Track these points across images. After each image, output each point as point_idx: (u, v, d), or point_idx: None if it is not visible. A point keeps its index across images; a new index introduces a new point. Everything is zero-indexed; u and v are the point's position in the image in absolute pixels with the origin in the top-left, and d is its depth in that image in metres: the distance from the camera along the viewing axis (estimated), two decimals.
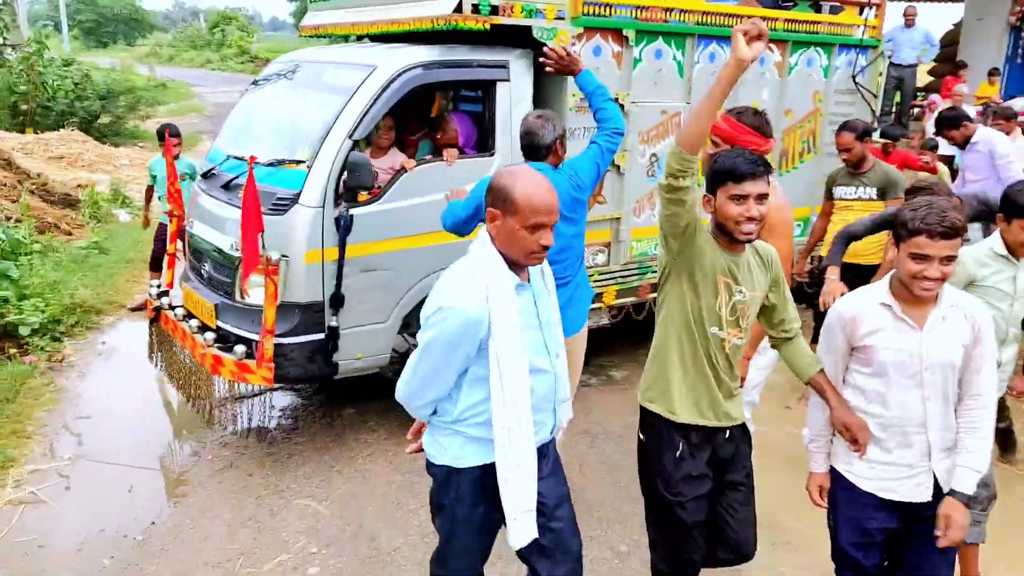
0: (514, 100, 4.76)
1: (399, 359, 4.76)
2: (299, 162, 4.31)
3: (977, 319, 2.39)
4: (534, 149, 3.63)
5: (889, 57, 11.11)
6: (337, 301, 4.28)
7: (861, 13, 6.25)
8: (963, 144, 5.91)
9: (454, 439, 2.35)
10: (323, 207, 4.22)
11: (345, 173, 4.22)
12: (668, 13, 5.14)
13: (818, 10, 6.23)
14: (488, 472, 2.30)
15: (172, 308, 4.89)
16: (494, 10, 4.46)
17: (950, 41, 12.82)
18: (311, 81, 4.88)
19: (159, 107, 20.48)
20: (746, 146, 2.91)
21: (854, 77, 6.36)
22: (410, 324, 4.62)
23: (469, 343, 2.17)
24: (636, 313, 5.78)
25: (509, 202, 2.17)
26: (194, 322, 4.56)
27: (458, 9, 4.34)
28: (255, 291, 4.41)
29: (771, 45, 5.75)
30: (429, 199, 4.52)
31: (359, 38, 5.70)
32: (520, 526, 2.23)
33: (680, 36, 5.27)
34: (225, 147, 5.10)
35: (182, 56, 45.96)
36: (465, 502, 2.38)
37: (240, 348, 4.22)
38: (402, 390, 2.36)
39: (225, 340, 4.42)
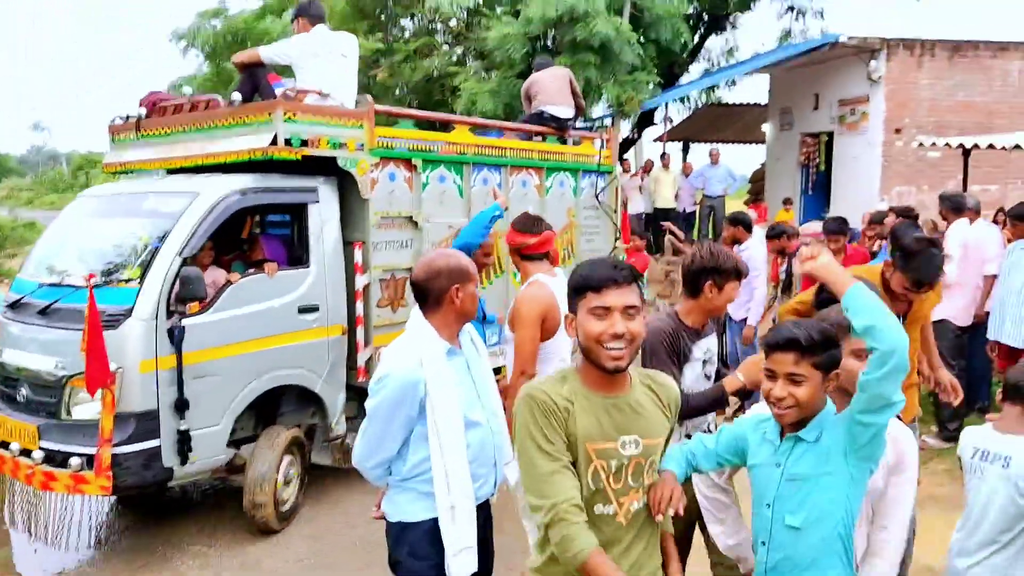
0: (323, 218, 5.42)
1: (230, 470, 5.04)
2: (127, 280, 4.62)
3: (900, 443, 2.35)
4: None
5: (702, 189, 13.63)
6: (182, 405, 4.55)
7: (600, 146, 7.71)
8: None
9: (405, 495, 2.62)
10: (155, 319, 4.53)
11: (176, 287, 4.59)
12: (443, 146, 6.14)
13: (564, 142, 7.59)
14: (438, 526, 2.56)
15: None
16: (304, 143, 5.16)
17: (757, 178, 15.88)
18: (128, 209, 5.23)
19: (27, 246, 18.73)
20: (524, 246, 3.79)
21: (597, 196, 7.75)
22: (235, 432, 4.94)
23: (409, 404, 2.50)
24: None
25: (466, 273, 2.67)
26: (14, 445, 4.55)
27: (273, 142, 4.99)
28: (82, 407, 4.56)
29: (531, 171, 6.94)
30: (253, 309, 4.99)
31: (171, 172, 6.08)
32: (459, 563, 2.53)
33: (458, 164, 6.27)
34: (33, 277, 5.22)
35: (42, 199, 41.62)
36: (418, 555, 2.60)
37: (75, 461, 4.32)
38: (356, 453, 2.67)
39: (51, 460, 4.47)
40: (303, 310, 5.26)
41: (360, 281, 5.56)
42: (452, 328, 2.68)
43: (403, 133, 5.83)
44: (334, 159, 5.37)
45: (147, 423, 4.52)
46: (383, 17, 11.54)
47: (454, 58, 11.64)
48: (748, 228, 6.87)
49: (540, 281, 3.81)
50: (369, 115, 5.56)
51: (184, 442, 4.61)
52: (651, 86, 10.21)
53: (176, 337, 4.54)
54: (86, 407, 4.55)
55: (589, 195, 7.67)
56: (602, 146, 7.71)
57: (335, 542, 5.05)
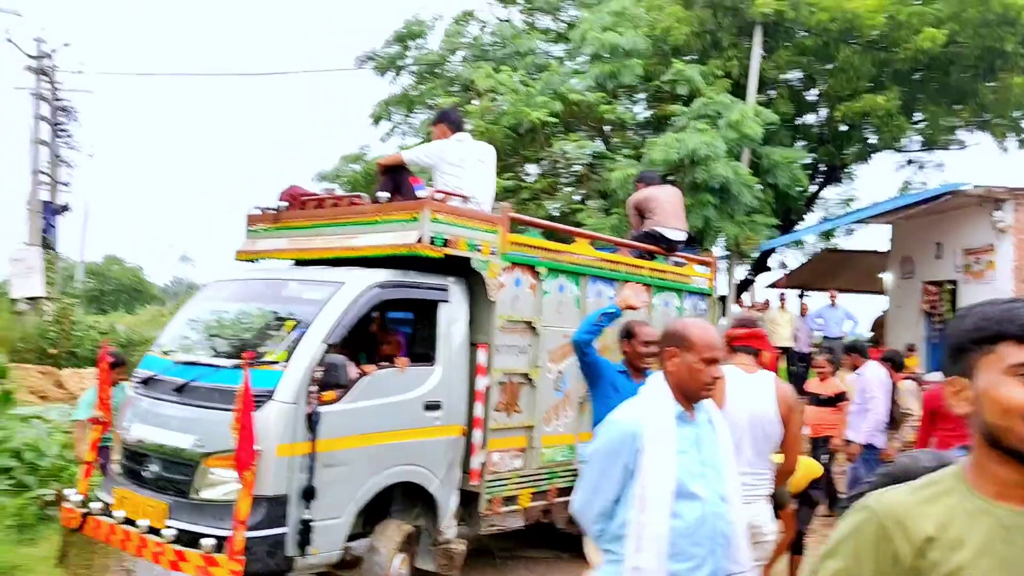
0: (452, 317, 5.49)
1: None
2: (272, 363, 4.68)
3: None
4: None
5: (820, 332, 13.61)
6: (310, 493, 4.50)
7: (703, 268, 7.78)
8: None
9: (610, 565, 2.53)
10: (296, 403, 4.56)
11: (318, 374, 4.64)
12: (565, 256, 6.25)
13: (668, 263, 7.68)
14: None
15: (106, 514, 4.79)
16: (445, 243, 5.30)
17: (878, 325, 15.72)
18: (266, 294, 5.37)
19: None
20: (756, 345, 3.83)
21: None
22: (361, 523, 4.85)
23: (626, 454, 2.47)
24: (545, 517, 6.25)
25: (686, 340, 2.61)
26: (143, 523, 4.51)
27: (419, 240, 5.13)
28: (214, 488, 4.53)
29: (639, 287, 7.01)
30: (383, 401, 5.00)
31: (298, 263, 6.24)
32: None
33: (576, 275, 6.36)
34: (166, 355, 5.32)
35: None
36: None
37: (208, 542, 4.25)
38: (575, 501, 2.66)
39: (178, 540, 4.41)
40: (428, 407, 5.25)
41: (481, 383, 5.56)
42: (679, 394, 2.61)
43: (531, 241, 5.97)
44: (466, 261, 5.48)
45: (276, 509, 4.46)
46: (512, 161, 12.08)
47: (577, 197, 12.04)
48: (864, 354, 6.86)
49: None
50: (504, 221, 5.72)
51: (306, 532, 4.52)
52: (768, 228, 10.42)
53: (313, 423, 4.54)
54: (217, 488, 4.53)
55: (690, 316, 7.67)
56: (707, 268, 7.78)
57: None
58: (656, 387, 2.65)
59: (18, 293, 16.44)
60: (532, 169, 13.22)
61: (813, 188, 14.57)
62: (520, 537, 6.51)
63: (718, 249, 12.06)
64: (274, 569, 4.48)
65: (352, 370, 4.86)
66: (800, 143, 12.84)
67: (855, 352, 6.95)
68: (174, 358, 5.21)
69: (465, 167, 5.69)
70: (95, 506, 4.86)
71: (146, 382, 5.20)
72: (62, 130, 19.71)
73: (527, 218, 6.34)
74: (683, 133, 9.40)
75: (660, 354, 2.69)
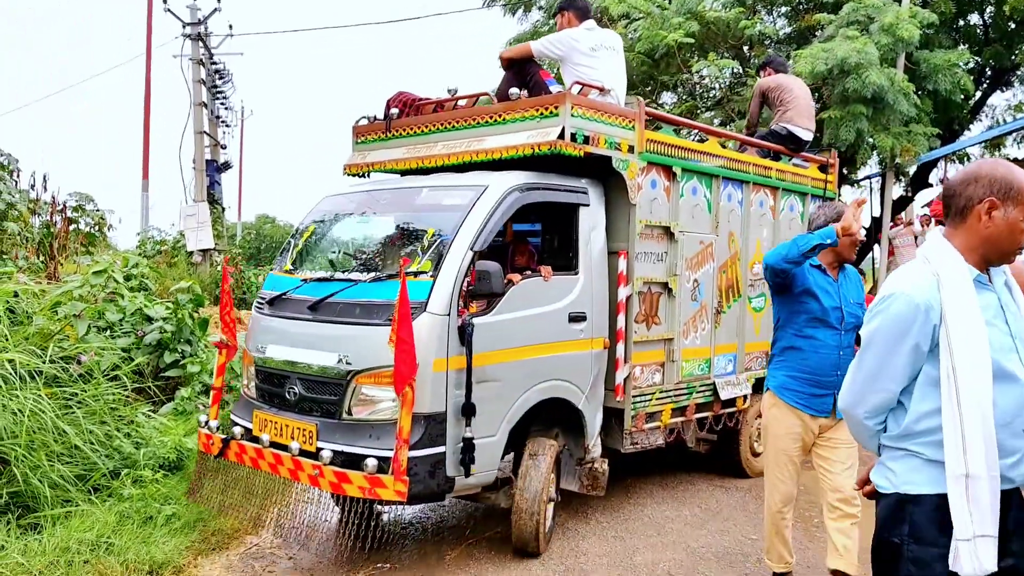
0: (592, 223, 5.08)
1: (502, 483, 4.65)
2: (418, 273, 4.33)
3: None
4: None
5: None
6: (469, 411, 4.19)
7: (822, 170, 7.24)
8: None
9: (904, 461, 2.11)
10: (448, 315, 4.22)
11: (468, 282, 4.28)
12: (699, 155, 5.77)
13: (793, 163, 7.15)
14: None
15: (247, 439, 4.55)
16: (586, 140, 4.85)
17: None
18: (398, 204, 4.99)
19: None
20: None
21: None
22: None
23: (918, 333, 2.03)
24: (686, 431, 5.91)
25: (1014, 192, 2.07)
26: (294, 445, 4.24)
27: (560, 136, 4.69)
28: (365, 406, 4.25)
29: (767, 190, 6.52)
30: (532, 312, 4.64)
31: (404, 174, 5.84)
32: (969, 552, 1.94)
33: (709, 176, 5.89)
34: (292, 273, 5.00)
35: None
36: (923, 539, 2.04)
37: (371, 462, 3.97)
38: (846, 395, 2.20)
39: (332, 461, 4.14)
40: (573, 318, 4.89)
41: (623, 293, 5.18)
42: (977, 255, 2.13)
43: (667, 139, 5.49)
44: (601, 161, 5.04)
45: (436, 427, 4.17)
46: (648, 89, 11.44)
47: (717, 121, 11.39)
48: None
49: None
50: (640, 116, 5.25)
51: (468, 451, 4.23)
52: (928, 139, 9.69)
53: (468, 335, 4.21)
54: (370, 407, 4.24)
55: None
56: (826, 170, 7.24)
57: (597, 562, 4.62)
58: (939, 247, 2.14)
59: (193, 246, 17.07)
60: (668, 97, 12.53)
61: (978, 95, 13.36)
62: (640, 459, 6.19)
63: (873, 164, 11.34)
64: (435, 490, 4.21)
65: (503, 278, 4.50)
66: (963, 47, 11.78)
67: None
68: (301, 276, 4.89)
69: (599, 56, 5.20)
70: (236, 431, 4.61)
71: (272, 302, 4.89)
72: (219, 92, 20.55)
73: (662, 114, 5.85)
74: (831, 43, 8.72)
75: (961, 205, 2.13)
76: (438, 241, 4.42)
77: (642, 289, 5.33)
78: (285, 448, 4.29)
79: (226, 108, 21.70)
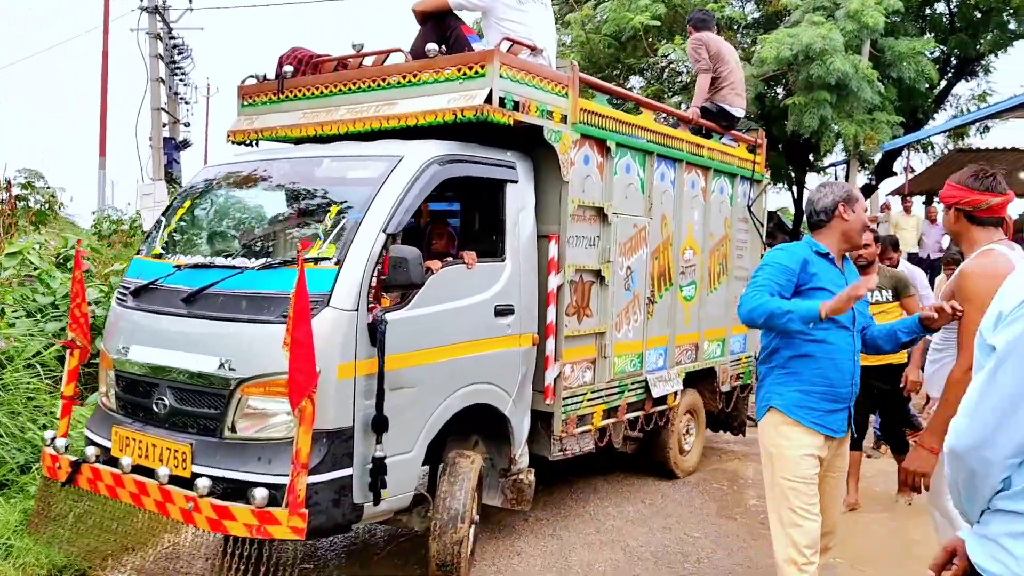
0: (521, 203, 4.45)
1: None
2: (318, 260, 3.59)
3: None
4: (809, 218, 3.32)
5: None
6: (381, 425, 3.50)
7: (751, 151, 6.85)
8: None
9: None
10: (356, 311, 3.50)
11: (378, 271, 3.58)
12: (634, 129, 5.22)
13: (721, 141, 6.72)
14: None
15: (103, 461, 3.70)
16: (516, 106, 4.21)
17: (1018, 229, 13.99)
18: (294, 176, 4.20)
19: None
20: (982, 207, 2.94)
21: (749, 206, 6.87)
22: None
23: None
24: (617, 434, 5.38)
25: None
26: (163, 471, 3.44)
27: (488, 100, 4.03)
28: (253, 422, 3.49)
29: (699, 171, 6.05)
30: (452, 306, 3.99)
31: (298, 142, 5.01)
32: None
33: (643, 153, 5.35)
34: (163, 258, 4.15)
35: None
36: None
37: (261, 492, 3.22)
38: (965, 432, 1.55)
39: (212, 491, 3.37)
40: (499, 312, 4.26)
41: (553, 282, 4.58)
42: None
43: (601, 109, 4.91)
44: (530, 132, 4.41)
45: (340, 446, 3.46)
46: (615, 72, 10.89)
47: (684, 107, 11.02)
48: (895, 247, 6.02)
49: (998, 252, 2.88)
50: (574, 82, 4.64)
51: (379, 473, 3.54)
52: (891, 127, 9.50)
53: (380, 334, 3.50)
54: (259, 422, 3.49)
55: (741, 205, 6.79)
56: (754, 151, 6.85)
57: (531, 563, 4.21)
58: None
59: (150, 226, 15.31)
60: (636, 81, 12.05)
61: (943, 84, 13.30)
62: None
63: (837, 152, 11.25)
64: (340, 521, 3.51)
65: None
66: (928, 35, 11.68)
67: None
68: (174, 261, 4.05)
69: (527, 10, 4.56)
70: (90, 451, 3.75)
71: (137, 293, 4.03)
72: (177, 67, 19.76)
73: (596, 81, 5.25)
74: (796, 28, 8.48)
75: None
76: (344, 221, 3.69)
77: (574, 278, 4.75)
78: (151, 474, 3.48)
79: (185, 84, 20.91)
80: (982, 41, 12.53)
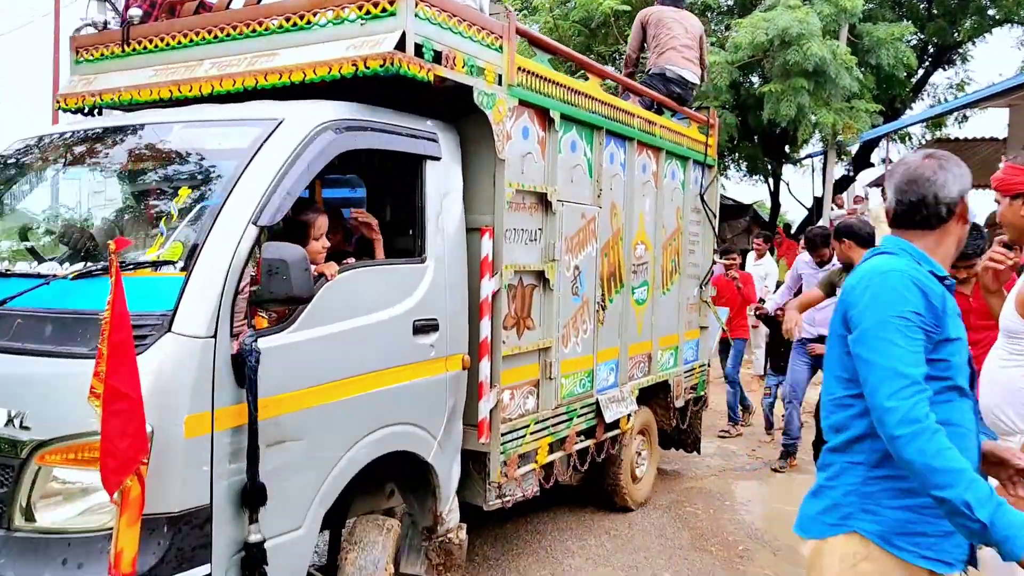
0: (445, 186, 3.45)
1: None
2: (157, 264, 2.50)
3: None
4: (913, 212, 2.00)
5: None
6: (256, 497, 2.45)
7: (702, 132, 6.01)
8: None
9: None
10: (214, 336, 2.43)
11: (251, 278, 2.53)
12: (581, 99, 4.28)
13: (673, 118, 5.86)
14: None
15: None
16: (437, 57, 3.20)
17: (992, 222, 13.23)
18: (139, 151, 3.08)
19: None
20: None
21: (701, 195, 6.05)
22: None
23: None
24: (565, 470, 4.43)
25: None
26: None
27: (399, 47, 3.00)
28: (59, 507, 2.39)
29: (651, 152, 5.17)
30: (355, 324, 2.95)
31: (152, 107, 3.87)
32: None
33: (590, 128, 4.42)
34: None
35: None
36: None
37: None
38: None
39: None
40: (420, 328, 3.25)
41: (487, 287, 3.59)
42: None
43: (542, 70, 3.93)
44: (456, 94, 3.42)
45: (191, 535, 2.38)
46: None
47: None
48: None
49: None
50: (510, 33, 3.65)
51: (255, 564, 2.49)
52: (870, 116, 8.99)
53: (251, 369, 2.45)
54: (67, 504, 2.38)
55: (693, 194, 5.95)
56: (707, 132, 6.03)
57: None
58: None
59: None
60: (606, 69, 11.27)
61: (921, 72, 12.84)
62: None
63: (815, 143, 10.81)
64: None
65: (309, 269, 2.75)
66: (906, 22, 11.19)
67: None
68: None
69: None
70: None
71: None
72: None
73: (537, 35, 4.26)
74: (772, 12, 7.92)
75: None
76: (196, 210, 2.61)
77: (512, 281, 3.78)
78: None
79: None
80: (960, 28, 12.27)
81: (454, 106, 3.50)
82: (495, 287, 3.62)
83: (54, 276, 2.58)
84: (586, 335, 4.44)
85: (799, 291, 6.61)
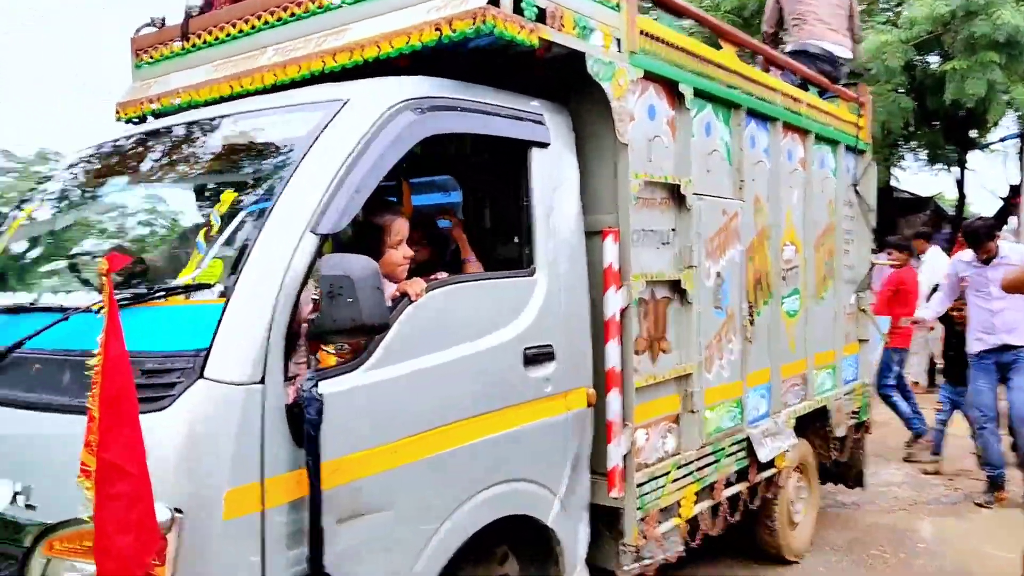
0: (556, 179, 2.78)
1: None
2: (189, 289, 1.93)
3: None
4: None
5: None
6: None
7: (854, 112, 5.11)
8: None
9: None
10: (262, 382, 1.83)
11: (313, 302, 1.93)
12: (716, 70, 3.52)
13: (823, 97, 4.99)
14: None
15: None
16: (540, 15, 2.55)
17: None
18: (184, 154, 2.56)
19: None
20: None
21: (855, 186, 5.14)
22: None
23: None
24: (713, 521, 3.65)
25: None
26: None
27: (493, 1, 2.36)
28: None
29: (796, 134, 4.35)
30: (448, 357, 2.30)
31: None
32: None
33: (727, 106, 3.66)
34: None
35: None
36: None
37: None
38: None
39: None
40: (531, 358, 2.57)
41: (614, 303, 2.88)
42: None
43: (669, 33, 3.23)
44: (565, 64, 2.75)
45: None
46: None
47: None
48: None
49: None
50: None
51: None
52: None
53: (310, 424, 1.84)
54: None
55: (844, 184, 5.05)
56: (859, 112, 5.12)
57: None
58: None
59: None
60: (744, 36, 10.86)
61: None
62: None
63: (1010, 123, 9.88)
64: None
65: (387, 287, 2.14)
66: None
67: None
68: None
69: None
70: None
71: None
72: None
73: None
74: None
75: None
76: (240, 217, 2.03)
77: (643, 294, 3.06)
78: None
79: None
80: None
81: (562, 79, 2.84)
82: (623, 302, 2.91)
83: (75, 309, 2.06)
84: (732, 356, 3.65)
85: (960, 296, 5.60)
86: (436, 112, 2.37)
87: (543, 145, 2.73)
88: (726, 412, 3.60)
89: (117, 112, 3.38)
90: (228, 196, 2.09)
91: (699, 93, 3.38)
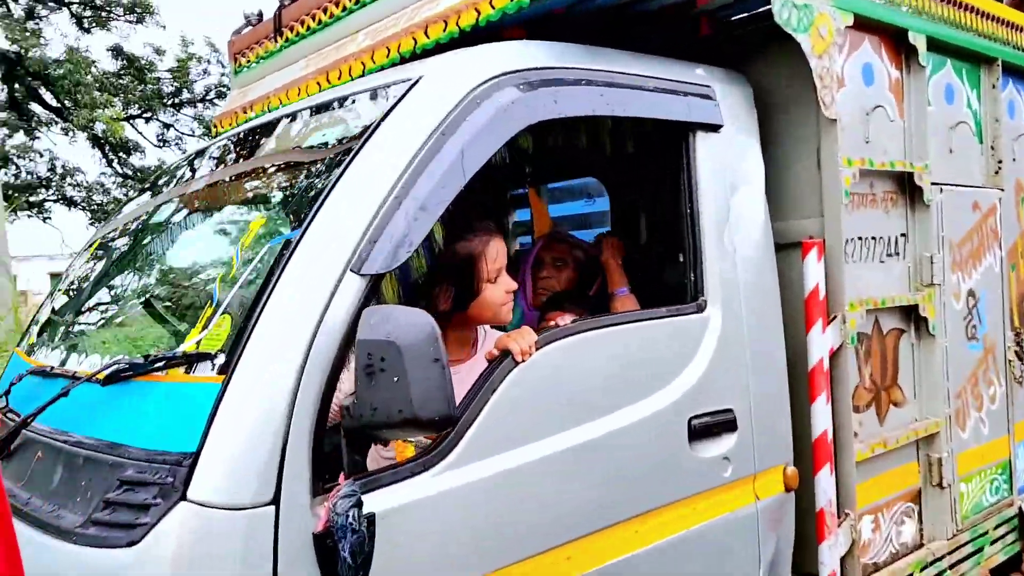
0: (734, 175, 1.99)
1: None
2: (195, 359, 1.36)
3: None
4: None
5: None
6: None
7: None
8: None
9: None
10: (274, 503, 1.22)
11: (349, 374, 1.30)
12: (958, 12, 2.56)
13: None
14: None
15: None
16: None
17: None
18: (242, 168, 2.04)
19: None
20: None
21: None
22: None
23: None
24: None
25: None
26: None
27: None
28: None
29: None
30: (573, 440, 1.59)
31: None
32: None
33: (975, 62, 2.69)
34: (32, 352, 2.14)
35: None
36: None
37: None
38: None
39: None
40: (699, 429, 1.80)
41: (820, 344, 2.04)
42: None
43: None
44: (754, 7, 1.96)
45: None
46: None
47: None
48: None
49: None
50: None
51: None
52: None
53: (345, 567, 1.20)
54: None
55: None
56: None
57: None
58: None
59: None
60: None
61: None
62: None
63: None
64: None
65: (488, 337, 1.48)
66: None
67: None
68: (36, 359, 2.03)
69: None
70: None
71: None
72: None
73: None
74: None
75: None
76: (262, 253, 1.44)
77: (863, 328, 2.18)
78: None
79: None
80: None
81: (736, 40, 2.06)
82: (835, 341, 2.06)
83: (83, 378, 1.56)
84: (994, 405, 2.66)
85: None
86: (550, 88, 1.67)
87: (713, 128, 1.95)
88: (987, 482, 2.61)
89: (215, 126, 2.98)
90: (256, 224, 1.51)
91: (935, 45, 2.44)
